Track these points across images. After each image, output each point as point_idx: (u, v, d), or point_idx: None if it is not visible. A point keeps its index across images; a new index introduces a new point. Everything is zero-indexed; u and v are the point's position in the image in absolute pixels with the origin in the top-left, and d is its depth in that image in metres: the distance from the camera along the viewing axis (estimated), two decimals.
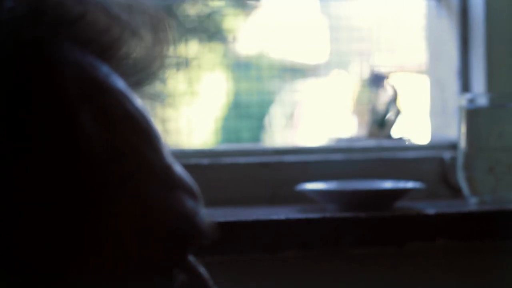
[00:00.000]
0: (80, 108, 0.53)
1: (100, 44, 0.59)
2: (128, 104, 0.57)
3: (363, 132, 1.76)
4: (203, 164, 1.52)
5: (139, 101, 0.58)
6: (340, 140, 1.80)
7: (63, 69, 0.55)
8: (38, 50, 0.55)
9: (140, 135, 0.56)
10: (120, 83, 0.57)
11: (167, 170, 0.56)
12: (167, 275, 0.57)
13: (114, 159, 0.54)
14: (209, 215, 0.63)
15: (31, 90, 0.53)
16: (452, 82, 1.67)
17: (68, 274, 0.52)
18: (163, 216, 0.55)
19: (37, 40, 0.55)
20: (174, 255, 0.57)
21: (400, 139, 1.69)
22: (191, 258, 0.61)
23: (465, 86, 1.64)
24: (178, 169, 0.57)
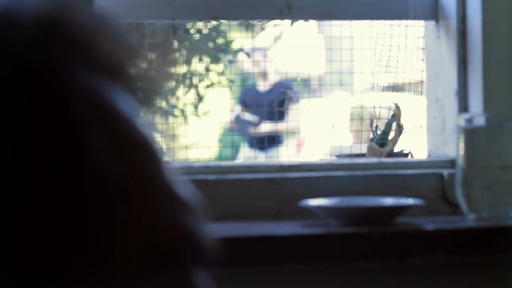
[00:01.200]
0: (89, 131, 0.55)
1: (108, 66, 0.60)
2: (133, 127, 0.58)
3: (360, 147, 1.76)
4: (209, 179, 1.52)
5: (143, 124, 0.59)
6: (340, 155, 1.80)
7: (73, 94, 0.56)
8: (49, 75, 0.56)
9: (144, 156, 0.58)
10: (126, 107, 0.59)
11: (169, 189, 0.58)
12: None
13: (119, 178, 0.55)
14: (214, 230, 0.63)
15: (42, 113, 0.54)
16: (451, 101, 1.66)
17: (70, 281, 0.53)
18: (165, 233, 0.56)
19: (49, 64, 0.56)
20: (175, 271, 0.57)
21: (401, 156, 1.68)
22: (198, 274, 0.61)
23: (464, 105, 1.64)
24: (180, 188, 0.58)
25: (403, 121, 1.70)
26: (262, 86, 5.76)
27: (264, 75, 5.69)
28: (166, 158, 0.59)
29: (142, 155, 0.58)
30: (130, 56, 0.62)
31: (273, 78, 5.93)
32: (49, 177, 0.53)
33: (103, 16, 0.62)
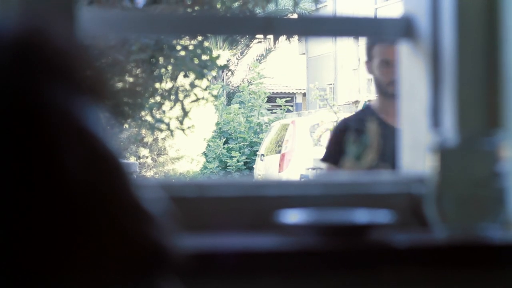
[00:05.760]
0: (63, 149, 0.57)
1: (82, 86, 0.63)
2: (103, 145, 0.60)
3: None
4: (189, 197, 1.51)
5: (112, 141, 0.62)
6: (318, 171, 1.80)
7: (48, 114, 0.58)
8: (26, 96, 0.59)
9: (112, 173, 0.60)
10: (97, 125, 0.61)
11: (135, 202, 0.61)
12: None
13: (90, 194, 0.57)
14: (185, 243, 0.65)
15: (19, 133, 0.56)
16: (424, 119, 1.67)
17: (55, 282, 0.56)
18: (130, 244, 0.59)
19: (26, 86, 0.59)
20: (140, 280, 0.60)
21: (375, 172, 1.68)
22: (164, 283, 0.64)
23: (436, 123, 1.64)
24: (146, 201, 0.62)
25: (378, 138, 1.70)
26: None
27: None
28: (132, 173, 0.61)
29: (109, 172, 0.60)
30: (106, 75, 0.65)
31: None
32: (31, 191, 0.55)
33: (80, 38, 0.65)
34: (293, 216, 1.43)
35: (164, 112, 6.16)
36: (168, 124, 6.01)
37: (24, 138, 0.56)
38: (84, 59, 0.63)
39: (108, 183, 0.59)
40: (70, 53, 0.62)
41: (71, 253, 0.56)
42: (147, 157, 10.78)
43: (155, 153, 11.17)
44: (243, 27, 1.69)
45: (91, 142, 0.60)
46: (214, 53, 6.10)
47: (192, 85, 5.75)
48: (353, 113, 3.33)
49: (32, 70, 0.59)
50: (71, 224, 0.57)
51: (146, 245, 0.60)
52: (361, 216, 1.45)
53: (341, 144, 2.58)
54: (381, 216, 1.44)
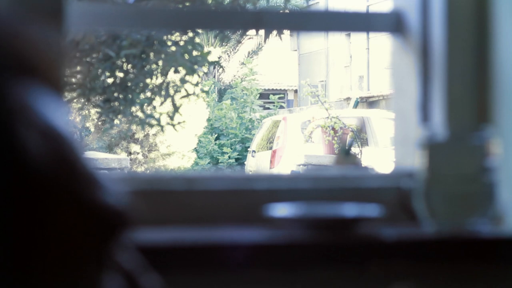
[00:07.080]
0: (19, 130, 0.59)
1: (34, 70, 0.63)
2: (52, 122, 0.62)
3: (329, 157, 1.77)
4: (178, 190, 1.51)
5: (60, 117, 0.62)
6: (309, 167, 1.80)
7: (2, 99, 0.59)
8: None
9: (65, 146, 0.62)
10: (49, 107, 0.62)
11: (89, 174, 0.63)
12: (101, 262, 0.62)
13: (48, 167, 0.59)
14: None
15: None
16: (413, 114, 1.67)
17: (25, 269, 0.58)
18: (91, 210, 0.61)
19: None
20: (101, 241, 0.62)
21: (365, 167, 1.69)
22: (121, 255, 0.67)
23: (426, 118, 1.64)
24: (97, 173, 0.63)
25: (373, 134, 1.70)
26: None
27: None
28: (82, 149, 0.63)
29: (62, 145, 0.61)
30: (62, 60, 0.67)
31: None
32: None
33: (35, 25, 0.66)
34: (282, 210, 1.43)
35: (154, 107, 6.16)
36: (158, 120, 6.02)
37: None
38: (34, 44, 0.64)
39: (62, 156, 0.60)
40: (32, 44, 0.63)
41: (33, 234, 0.57)
42: (138, 153, 10.77)
43: (146, 149, 11.16)
44: (234, 21, 1.69)
45: (45, 122, 0.60)
46: (205, 49, 6.10)
47: (183, 81, 5.76)
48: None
49: None
50: (28, 204, 0.57)
51: (102, 210, 0.61)
52: (349, 210, 1.45)
53: None
54: (370, 210, 1.44)
